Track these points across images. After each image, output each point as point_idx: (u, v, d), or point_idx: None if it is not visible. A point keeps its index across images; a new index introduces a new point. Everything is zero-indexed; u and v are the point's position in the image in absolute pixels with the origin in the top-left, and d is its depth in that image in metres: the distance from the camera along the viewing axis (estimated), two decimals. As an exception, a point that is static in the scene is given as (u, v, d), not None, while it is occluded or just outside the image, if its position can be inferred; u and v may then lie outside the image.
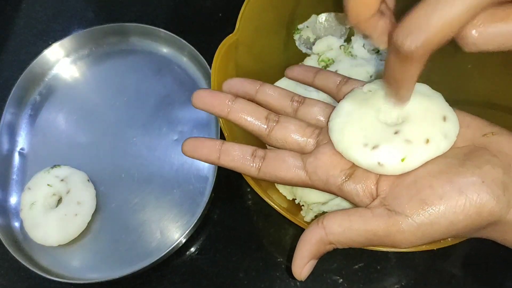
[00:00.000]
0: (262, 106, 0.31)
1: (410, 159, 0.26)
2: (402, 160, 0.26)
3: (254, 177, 0.29)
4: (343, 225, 0.25)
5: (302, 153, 0.29)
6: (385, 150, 0.26)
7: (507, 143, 0.25)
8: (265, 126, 0.30)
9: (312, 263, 0.26)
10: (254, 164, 0.28)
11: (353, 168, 0.27)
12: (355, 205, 0.27)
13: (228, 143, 0.29)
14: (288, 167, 0.28)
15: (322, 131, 0.29)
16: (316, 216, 0.41)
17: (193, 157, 0.30)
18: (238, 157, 0.29)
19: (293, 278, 0.43)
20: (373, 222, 0.24)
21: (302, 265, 0.26)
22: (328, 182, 0.27)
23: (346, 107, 0.30)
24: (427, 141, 0.26)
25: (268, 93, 0.32)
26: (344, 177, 0.27)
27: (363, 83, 0.31)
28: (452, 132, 0.27)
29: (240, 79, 0.33)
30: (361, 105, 0.29)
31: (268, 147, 0.31)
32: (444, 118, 0.27)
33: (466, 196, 0.23)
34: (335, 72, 0.34)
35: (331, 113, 0.30)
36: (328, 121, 0.30)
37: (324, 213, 0.40)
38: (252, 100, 0.32)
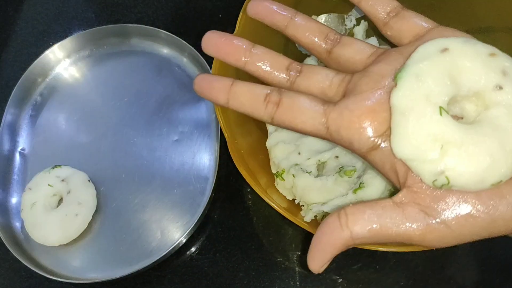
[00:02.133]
0: (292, 40, 0.28)
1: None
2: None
3: (270, 123, 0.26)
4: (373, 230, 0.22)
5: (325, 100, 0.25)
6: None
7: None
8: (287, 77, 0.26)
9: (330, 261, 0.24)
10: (268, 110, 0.25)
11: (382, 138, 0.23)
12: (378, 172, 0.24)
13: (238, 84, 0.26)
14: (306, 119, 0.24)
15: (354, 77, 0.25)
16: (316, 217, 0.41)
17: (203, 97, 0.27)
18: (249, 102, 0.25)
19: (293, 278, 0.44)
20: (408, 227, 0.22)
21: (323, 263, 0.24)
22: (352, 145, 0.24)
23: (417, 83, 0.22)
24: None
25: (300, 29, 0.27)
26: (371, 145, 0.23)
27: (425, 19, 0.26)
28: None
29: (270, 3, 0.28)
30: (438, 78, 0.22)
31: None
32: None
33: None
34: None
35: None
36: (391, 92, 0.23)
37: (323, 213, 0.40)
38: (281, 32, 0.28)
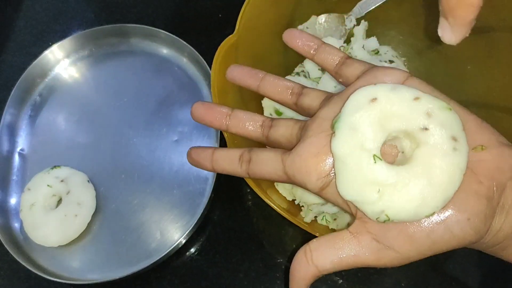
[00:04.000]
0: (266, 97, 0.32)
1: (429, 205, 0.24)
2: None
3: (247, 177, 0.30)
4: (334, 261, 0.26)
5: (285, 150, 0.29)
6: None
7: (494, 161, 0.24)
8: (261, 132, 0.31)
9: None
10: (242, 168, 0.30)
11: (328, 178, 0.26)
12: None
13: (218, 151, 0.31)
14: (271, 170, 0.28)
15: (306, 123, 0.28)
16: (316, 217, 0.41)
17: (192, 164, 0.32)
18: (228, 163, 0.30)
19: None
20: (363, 256, 0.25)
21: None
22: (306, 186, 0.27)
23: (346, 133, 0.25)
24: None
25: (269, 87, 0.32)
26: (321, 185, 0.26)
27: (364, 64, 0.29)
28: (464, 163, 0.24)
29: (243, 69, 0.33)
30: (368, 127, 0.25)
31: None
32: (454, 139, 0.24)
33: (452, 233, 0.24)
34: (338, 49, 0.32)
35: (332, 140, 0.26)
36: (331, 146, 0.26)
37: (323, 213, 0.40)
38: (255, 91, 0.33)
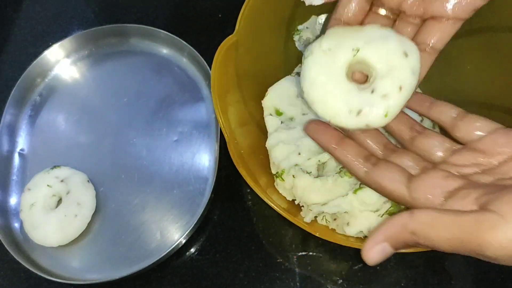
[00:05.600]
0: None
1: (391, 110, 0.30)
2: (385, 115, 0.30)
3: (358, 178, 0.31)
4: (432, 214, 0.24)
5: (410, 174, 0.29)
6: (369, 112, 0.30)
7: None
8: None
9: (385, 247, 0.25)
10: (364, 167, 0.30)
11: (453, 193, 0.26)
12: None
13: (348, 139, 0.32)
14: (392, 179, 0.29)
15: (434, 165, 0.30)
16: (316, 217, 0.41)
17: (313, 138, 0.33)
18: (352, 155, 0.31)
19: (293, 279, 0.44)
20: (464, 215, 0.23)
21: (373, 244, 0.25)
22: (427, 201, 0.27)
23: (317, 76, 0.31)
24: (400, 88, 0.29)
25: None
26: (442, 201, 0.26)
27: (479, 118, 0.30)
28: (417, 66, 0.30)
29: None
30: (330, 70, 0.31)
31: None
32: (405, 54, 0.30)
33: None
34: (451, 104, 0.32)
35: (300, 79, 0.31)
36: (301, 89, 0.32)
37: (323, 213, 0.40)
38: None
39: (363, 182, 0.31)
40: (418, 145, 0.31)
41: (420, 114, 0.34)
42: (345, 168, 0.33)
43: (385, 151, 0.32)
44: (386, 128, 0.33)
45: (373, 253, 0.25)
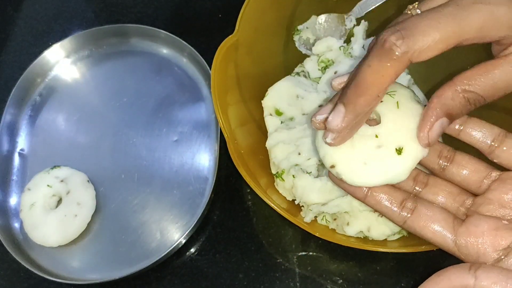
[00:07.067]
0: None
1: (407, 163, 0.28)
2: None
3: (398, 226, 0.29)
4: (499, 281, 0.23)
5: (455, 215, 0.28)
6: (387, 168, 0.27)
7: None
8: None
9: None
10: (402, 214, 0.28)
11: (509, 249, 0.25)
12: None
13: (379, 187, 0.29)
14: (437, 231, 0.27)
15: (475, 200, 0.28)
16: (315, 217, 0.41)
17: (339, 186, 0.31)
18: (385, 202, 0.29)
19: (293, 279, 0.44)
20: None
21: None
22: (479, 258, 0.26)
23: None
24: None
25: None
26: (498, 257, 0.25)
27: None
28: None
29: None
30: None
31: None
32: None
33: None
34: (486, 123, 0.29)
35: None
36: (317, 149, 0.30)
37: (323, 213, 0.40)
38: None
39: (405, 230, 0.29)
40: (450, 177, 0.29)
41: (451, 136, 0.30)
42: (382, 216, 0.31)
43: (417, 184, 0.30)
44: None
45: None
